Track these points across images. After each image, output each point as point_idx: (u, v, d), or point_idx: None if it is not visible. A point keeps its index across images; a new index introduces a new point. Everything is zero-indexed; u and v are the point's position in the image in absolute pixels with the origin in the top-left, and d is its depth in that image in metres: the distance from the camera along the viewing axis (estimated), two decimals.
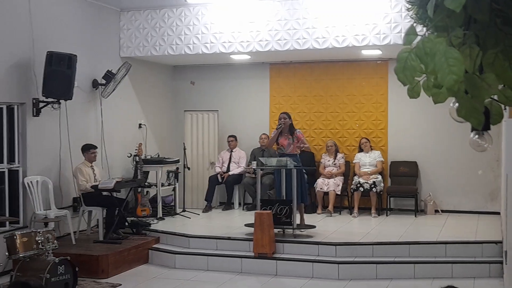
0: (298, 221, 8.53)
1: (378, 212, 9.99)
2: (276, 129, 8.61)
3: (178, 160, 10.57)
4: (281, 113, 8.79)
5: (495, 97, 1.96)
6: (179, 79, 11.82)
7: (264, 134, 10.86)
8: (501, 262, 7.29)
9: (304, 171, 8.69)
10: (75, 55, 8.27)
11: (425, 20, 2.04)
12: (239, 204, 10.97)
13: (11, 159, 8.10)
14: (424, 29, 1.98)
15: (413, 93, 1.95)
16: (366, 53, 9.86)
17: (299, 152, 8.66)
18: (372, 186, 9.96)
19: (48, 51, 8.12)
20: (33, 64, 8.21)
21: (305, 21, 9.22)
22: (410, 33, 1.81)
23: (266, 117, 11.25)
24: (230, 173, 10.83)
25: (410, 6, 2.15)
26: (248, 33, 9.52)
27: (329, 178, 10.35)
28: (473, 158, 9.72)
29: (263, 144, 10.77)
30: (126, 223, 8.90)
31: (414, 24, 1.92)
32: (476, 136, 2.15)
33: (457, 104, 1.85)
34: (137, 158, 9.82)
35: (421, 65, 1.82)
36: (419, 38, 1.81)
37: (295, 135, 8.57)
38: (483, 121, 1.84)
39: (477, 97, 1.77)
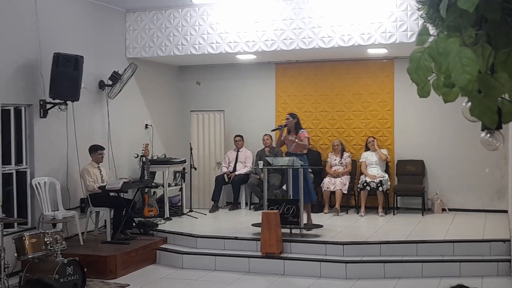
0: (305, 221, 8.55)
1: (385, 211, 9.98)
2: (278, 129, 8.64)
3: (185, 160, 10.58)
4: (287, 114, 8.87)
5: (506, 96, 1.96)
6: (185, 80, 11.83)
7: (266, 135, 10.83)
8: (509, 261, 7.28)
9: (310, 170, 8.67)
10: (82, 57, 8.30)
11: (435, 19, 2.03)
12: (246, 204, 10.97)
13: (18, 161, 8.13)
14: (435, 28, 1.98)
15: (423, 93, 1.95)
16: (372, 51, 9.85)
17: (304, 151, 8.67)
18: (379, 185, 9.94)
19: (54, 53, 8.15)
20: (40, 65, 8.24)
21: (310, 21, 9.22)
22: (423, 33, 1.81)
23: (272, 117, 11.24)
24: (236, 173, 10.83)
25: (420, 6, 2.14)
26: (253, 33, 9.52)
27: (336, 177, 10.34)
28: (480, 156, 9.70)
29: (267, 145, 10.77)
30: (134, 224, 8.92)
31: (427, 24, 1.92)
32: (488, 135, 2.14)
33: (469, 104, 1.85)
34: (143, 158, 9.84)
35: (432, 65, 1.82)
36: (431, 38, 1.81)
37: (298, 134, 8.59)
38: (497, 120, 1.84)
39: (490, 96, 1.77)
